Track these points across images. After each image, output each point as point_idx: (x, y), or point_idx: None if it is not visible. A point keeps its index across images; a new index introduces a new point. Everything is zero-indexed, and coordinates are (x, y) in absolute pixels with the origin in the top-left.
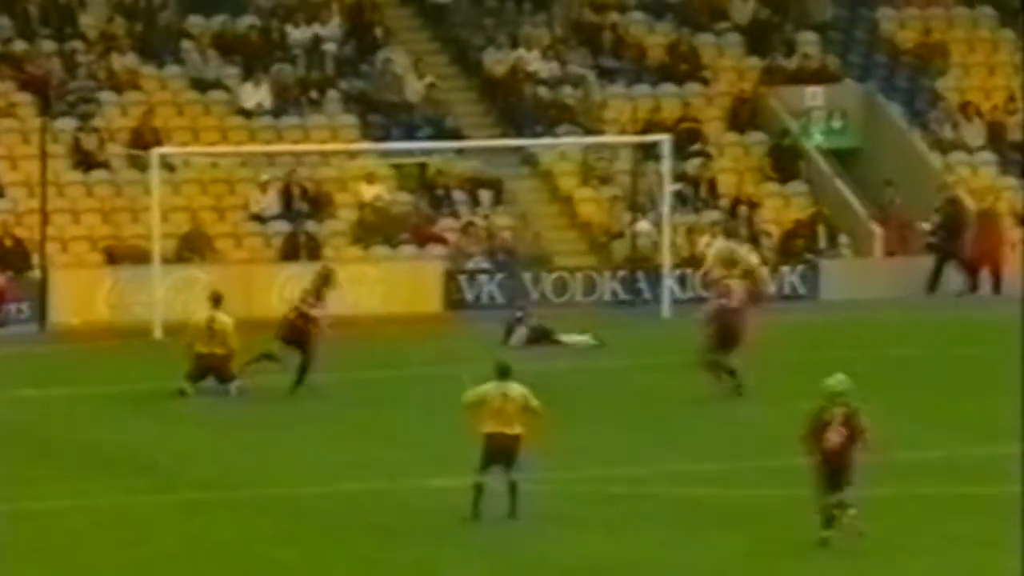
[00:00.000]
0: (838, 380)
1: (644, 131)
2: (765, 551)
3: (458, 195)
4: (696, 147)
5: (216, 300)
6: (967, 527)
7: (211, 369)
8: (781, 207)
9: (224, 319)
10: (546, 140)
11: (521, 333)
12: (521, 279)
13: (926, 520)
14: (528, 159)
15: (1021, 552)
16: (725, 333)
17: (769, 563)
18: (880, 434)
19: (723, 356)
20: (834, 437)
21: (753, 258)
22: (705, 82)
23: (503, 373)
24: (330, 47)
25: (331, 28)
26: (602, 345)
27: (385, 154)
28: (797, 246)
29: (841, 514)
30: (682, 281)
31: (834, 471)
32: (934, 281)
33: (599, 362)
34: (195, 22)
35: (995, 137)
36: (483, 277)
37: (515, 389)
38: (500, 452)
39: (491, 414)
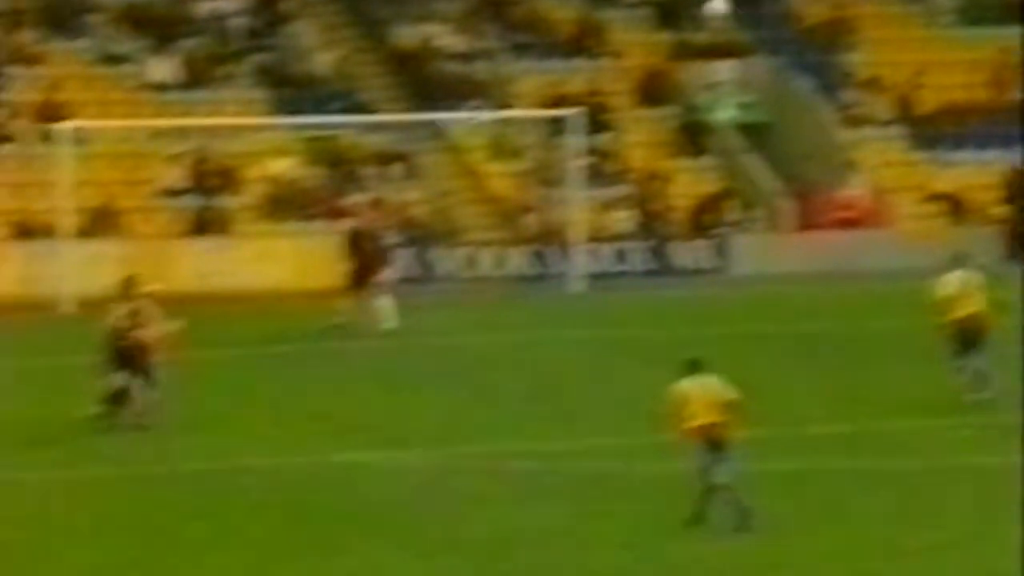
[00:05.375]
0: None
1: (554, 105)
2: (669, 525)
3: (368, 170)
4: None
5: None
6: (874, 501)
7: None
8: (691, 182)
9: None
10: (456, 114)
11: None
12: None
13: (833, 495)
14: (438, 134)
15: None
16: None
17: (674, 537)
18: (787, 408)
19: None
20: None
21: None
22: (615, 56)
23: None
24: (239, 20)
25: (239, 1)
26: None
27: (294, 128)
28: (707, 221)
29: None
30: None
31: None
32: None
33: (507, 336)
34: None
35: (903, 111)
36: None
37: None
38: None
39: None
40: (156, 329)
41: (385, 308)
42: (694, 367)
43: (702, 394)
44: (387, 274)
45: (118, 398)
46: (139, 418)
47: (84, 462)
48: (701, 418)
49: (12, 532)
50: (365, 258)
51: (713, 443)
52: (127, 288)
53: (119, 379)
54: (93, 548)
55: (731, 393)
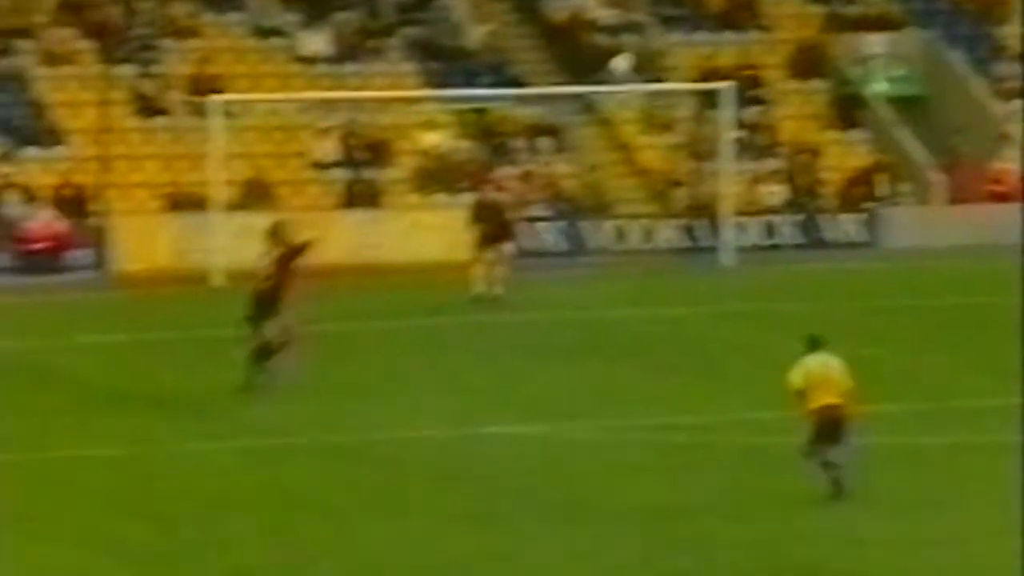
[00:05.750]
0: None
1: (704, 79)
2: (822, 499)
3: (518, 143)
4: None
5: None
6: None
7: None
8: (842, 155)
9: None
10: (607, 87)
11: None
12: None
13: (985, 469)
14: (589, 106)
15: None
16: None
17: (826, 510)
18: (939, 382)
19: None
20: None
21: None
22: (766, 29)
23: None
24: None
25: None
26: None
27: (446, 101)
28: (858, 194)
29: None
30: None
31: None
32: None
33: (659, 310)
34: None
35: None
36: (543, 225)
37: None
38: None
39: None
40: (296, 278)
41: (497, 276)
42: (815, 344)
43: (823, 374)
44: (508, 247)
45: (263, 352)
46: (278, 373)
47: (235, 433)
48: (820, 399)
49: (167, 503)
50: (487, 230)
51: (830, 425)
52: (275, 233)
53: (263, 331)
54: (242, 517)
55: (849, 381)
